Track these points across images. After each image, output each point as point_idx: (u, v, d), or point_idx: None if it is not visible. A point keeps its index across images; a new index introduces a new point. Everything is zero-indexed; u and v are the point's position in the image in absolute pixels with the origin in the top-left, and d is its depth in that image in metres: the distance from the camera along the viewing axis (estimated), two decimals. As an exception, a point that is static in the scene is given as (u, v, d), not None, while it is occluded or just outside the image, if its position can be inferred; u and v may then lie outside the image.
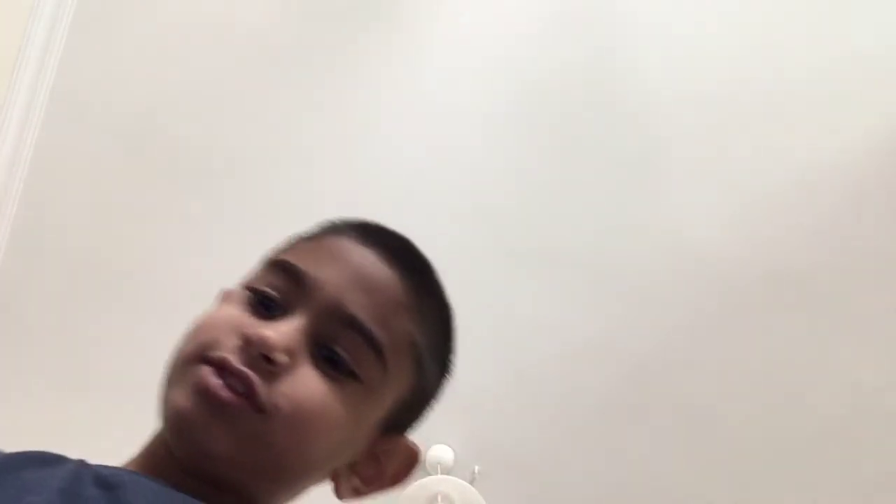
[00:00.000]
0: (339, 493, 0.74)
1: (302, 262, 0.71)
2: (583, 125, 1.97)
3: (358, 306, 0.68)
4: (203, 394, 0.62)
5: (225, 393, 0.62)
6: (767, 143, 1.94)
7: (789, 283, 1.88)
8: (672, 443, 1.87)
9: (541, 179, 1.95)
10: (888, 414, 1.84)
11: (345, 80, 1.96)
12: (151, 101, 1.92)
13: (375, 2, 2.04)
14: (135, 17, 1.95)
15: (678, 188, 1.94)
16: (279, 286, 0.70)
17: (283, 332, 0.65)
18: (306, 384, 0.65)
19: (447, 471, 1.81)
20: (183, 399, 0.63)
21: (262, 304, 0.69)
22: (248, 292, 0.70)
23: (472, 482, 1.79)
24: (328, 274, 0.69)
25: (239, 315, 0.68)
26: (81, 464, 0.64)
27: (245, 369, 0.63)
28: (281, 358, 0.64)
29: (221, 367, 0.63)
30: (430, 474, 1.80)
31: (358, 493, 0.74)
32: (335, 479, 0.73)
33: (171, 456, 0.65)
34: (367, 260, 0.71)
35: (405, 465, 0.76)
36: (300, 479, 0.70)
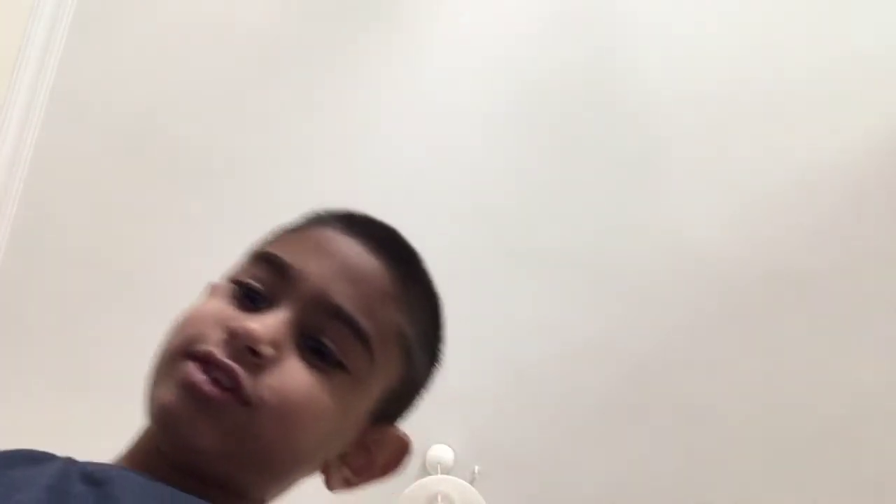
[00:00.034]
0: (329, 485, 0.74)
1: (287, 254, 0.70)
2: (583, 125, 1.96)
3: (344, 297, 0.68)
4: (188, 389, 0.62)
5: (210, 388, 0.62)
6: (767, 143, 1.93)
7: (789, 283, 1.88)
8: (672, 443, 1.86)
9: (541, 179, 1.95)
10: (888, 414, 1.83)
11: (345, 80, 1.96)
12: (151, 101, 1.91)
13: (375, 2, 2.04)
14: (135, 17, 1.95)
15: (678, 188, 1.94)
16: (264, 278, 0.70)
17: (268, 324, 0.65)
18: (293, 376, 0.65)
19: (447, 471, 1.81)
20: (168, 395, 0.63)
21: (248, 296, 0.69)
22: (233, 285, 0.70)
23: (472, 482, 1.79)
24: (313, 265, 0.69)
25: (224, 308, 0.68)
26: (69, 461, 0.64)
27: (230, 362, 0.63)
28: (266, 350, 0.64)
29: (206, 361, 0.63)
30: (430, 474, 1.79)
31: (349, 483, 0.74)
32: (325, 470, 0.73)
33: (158, 451, 0.65)
34: (353, 250, 0.71)
35: (396, 454, 0.76)
36: (289, 471, 0.70)
